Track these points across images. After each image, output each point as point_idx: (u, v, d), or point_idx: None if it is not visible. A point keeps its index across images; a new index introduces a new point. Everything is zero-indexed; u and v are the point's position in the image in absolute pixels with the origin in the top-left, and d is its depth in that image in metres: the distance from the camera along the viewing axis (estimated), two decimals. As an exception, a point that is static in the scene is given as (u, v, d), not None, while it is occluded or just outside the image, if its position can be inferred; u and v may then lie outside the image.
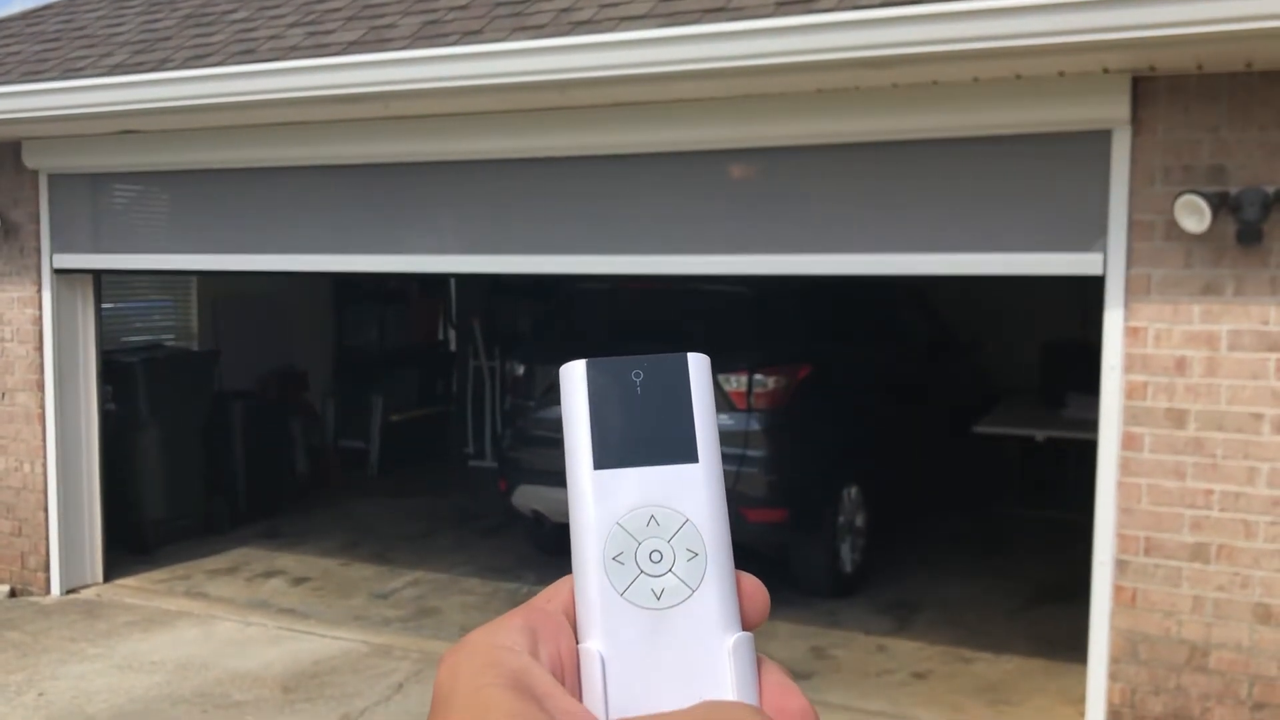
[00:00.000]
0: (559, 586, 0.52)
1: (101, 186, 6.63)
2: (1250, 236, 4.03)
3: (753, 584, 0.51)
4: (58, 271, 6.73)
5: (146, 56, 5.70)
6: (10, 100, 5.85)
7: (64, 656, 5.76)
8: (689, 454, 0.51)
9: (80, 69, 5.83)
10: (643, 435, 0.51)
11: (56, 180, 6.69)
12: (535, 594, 0.52)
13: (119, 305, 8.93)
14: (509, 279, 9.40)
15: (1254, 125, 4.05)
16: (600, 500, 0.50)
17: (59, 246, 6.72)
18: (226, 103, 5.29)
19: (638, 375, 0.52)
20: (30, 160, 6.60)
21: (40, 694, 5.27)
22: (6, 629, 6.21)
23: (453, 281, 12.02)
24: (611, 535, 0.50)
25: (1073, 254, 4.36)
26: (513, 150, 5.33)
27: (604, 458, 0.51)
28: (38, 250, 6.74)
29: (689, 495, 0.50)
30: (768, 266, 4.95)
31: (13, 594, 6.88)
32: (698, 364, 0.52)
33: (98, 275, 6.86)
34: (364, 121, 5.50)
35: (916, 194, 4.64)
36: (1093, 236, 4.31)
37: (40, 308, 6.76)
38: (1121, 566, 4.32)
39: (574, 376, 0.52)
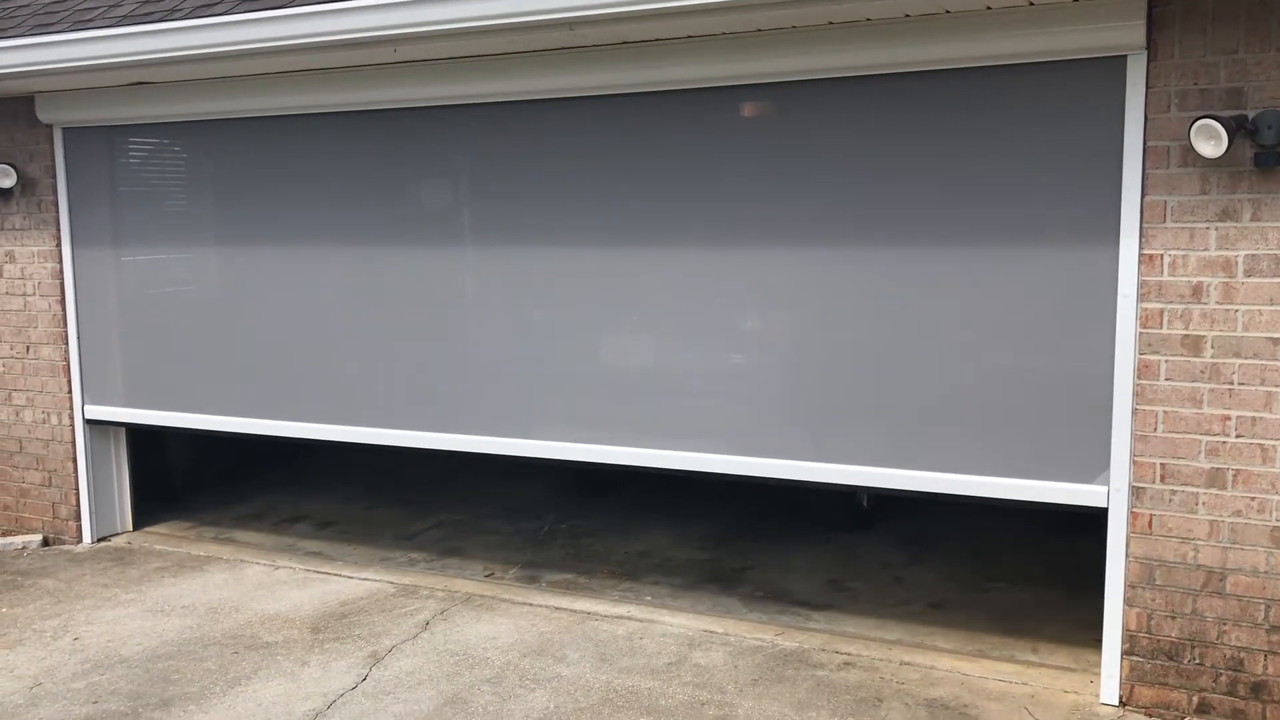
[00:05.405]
0: None
1: (117, 139, 6.63)
2: (1268, 160, 3.99)
3: None
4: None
5: (155, 6, 5.68)
6: (20, 53, 5.84)
7: (97, 602, 5.89)
8: None
9: (89, 20, 5.81)
10: None
11: (71, 134, 6.69)
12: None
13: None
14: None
15: (1272, 46, 3.99)
16: None
17: (76, 201, 6.74)
18: (235, 50, 5.27)
19: None
20: (44, 114, 6.60)
21: (75, 639, 5.40)
22: (41, 577, 6.35)
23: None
24: None
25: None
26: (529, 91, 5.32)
27: None
28: (55, 204, 6.76)
29: None
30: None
31: (46, 543, 7.03)
32: None
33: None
34: (379, 67, 5.49)
35: (934, 120, 4.61)
36: (1108, 166, 4.28)
37: (61, 261, 6.80)
38: (1137, 493, 4.35)
39: None
